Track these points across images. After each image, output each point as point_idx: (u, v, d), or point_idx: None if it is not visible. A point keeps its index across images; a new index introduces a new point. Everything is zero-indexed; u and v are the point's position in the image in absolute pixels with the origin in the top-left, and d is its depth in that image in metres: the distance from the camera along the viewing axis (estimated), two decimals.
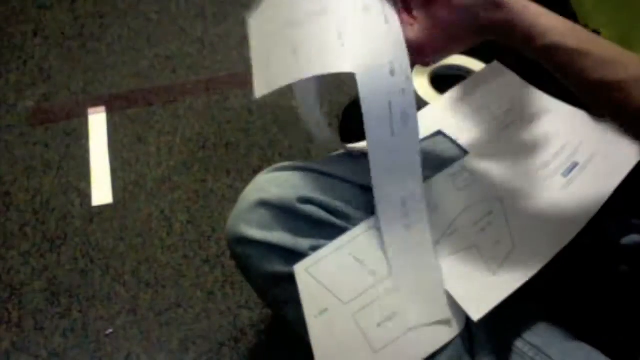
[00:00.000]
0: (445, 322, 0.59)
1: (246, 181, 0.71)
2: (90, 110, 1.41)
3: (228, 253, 1.08)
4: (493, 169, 0.69)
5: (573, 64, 0.54)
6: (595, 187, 0.64)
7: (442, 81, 1.11)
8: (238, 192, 0.69)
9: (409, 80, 0.56)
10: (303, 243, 0.62)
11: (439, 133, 0.74)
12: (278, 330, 1.07)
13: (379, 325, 0.59)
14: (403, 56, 0.56)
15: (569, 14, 0.57)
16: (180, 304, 1.10)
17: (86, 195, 1.25)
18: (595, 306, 0.68)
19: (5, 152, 1.33)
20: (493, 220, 0.64)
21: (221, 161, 1.31)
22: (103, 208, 1.23)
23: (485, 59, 0.82)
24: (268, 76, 0.62)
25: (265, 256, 0.63)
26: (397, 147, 0.57)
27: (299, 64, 0.59)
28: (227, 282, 1.13)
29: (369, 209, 0.64)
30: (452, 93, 0.78)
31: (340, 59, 0.57)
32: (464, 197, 0.66)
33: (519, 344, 0.63)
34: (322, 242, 0.62)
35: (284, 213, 0.63)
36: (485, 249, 0.62)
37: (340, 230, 0.62)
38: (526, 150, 0.69)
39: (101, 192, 1.26)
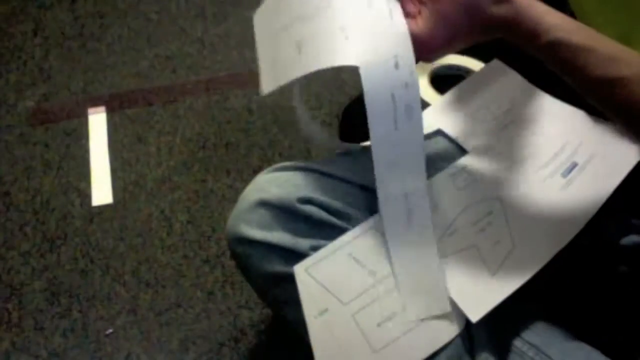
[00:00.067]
0: (446, 318, 0.59)
1: (246, 181, 0.71)
2: (90, 110, 1.41)
3: (228, 253, 1.08)
4: (493, 168, 0.69)
5: (577, 60, 0.54)
6: (595, 188, 0.64)
7: (442, 81, 1.11)
8: (238, 192, 0.69)
9: (413, 74, 0.56)
10: (303, 243, 0.62)
11: (438, 132, 0.74)
12: (278, 330, 1.07)
13: (378, 325, 0.59)
14: (407, 50, 0.56)
15: (569, 14, 0.57)
16: (180, 304, 1.10)
17: (86, 195, 1.25)
18: (595, 306, 0.68)
19: (5, 152, 1.33)
20: (493, 220, 0.64)
21: (221, 161, 1.31)
22: (103, 208, 1.23)
23: (485, 59, 0.82)
24: (275, 73, 0.62)
25: (265, 256, 0.63)
26: (401, 142, 0.57)
27: (303, 59, 0.58)
28: (227, 282, 1.13)
29: (369, 209, 0.64)
30: (452, 93, 0.78)
31: (344, 52, 0.56)
32: (464, 197, 0.66)
33: (518, 343, 0.63)
34: (322, 242, 0.62)
35: (284, 213, 0.63)
36: (485, 249, 0.62)
37: (340, 231, 0.62)
38: (526, 150, 0.69)
39: (101, 192, 1.26)
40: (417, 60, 0.58)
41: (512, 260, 0.61)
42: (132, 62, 1.52)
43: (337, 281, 0.60)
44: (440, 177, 0.68)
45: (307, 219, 0.63)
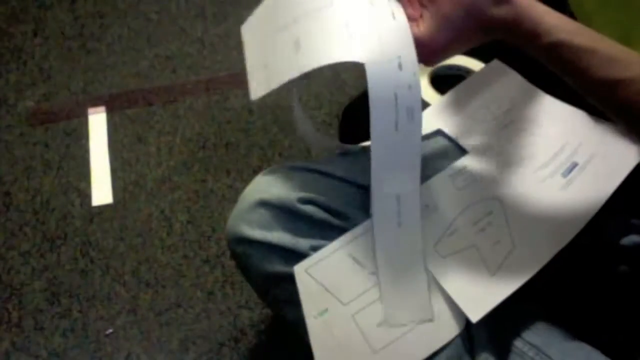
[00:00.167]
0: (446, 318, 0.59)
1: (246, 181, 0.71)
2: (90, 110, 1.41)
3: (228, 253, 1.08)
4: (493, 168, 0.69)
5: (579, 61, 0.54)
6: (595, 188, 0.64)
7: (442, 81, 1.11)
8: (238, 192, 0.69)
9: (416, 76, 0.56)
10: (303, 243, 0.62)
11: (438, 133, 0.74)
12: (278, 330, 1.07)
13: (378, 325, 0.59)
14: (411, 52, 0.56)
15: (568, 15, 0.57)
16: (180, 304, 1.10)
17: (86, 195, 1.25)
18: (595, 306, 0.68)
19: (5, 152, 1.33)
20: (493, 220, 0.64)
21: (221, 161, 1.31)
22: (103, 208, 1.23)
23: (485, 59, 0.82)
24: (267, 75, 0.62)
25: (265, 256, 0.63)
26: (399, 143, 0.57)
27: (302, 56, 0.58)
28: (227, 282, 1.13)
29: (369, 210, 0.64)
30: (452, 93, 0.78)
31: (350, 48, 0.56)
32: (464, 197, 0.66)
33: (518, 343, 0.63)
34: (322, 242, 0.62)
35: (284, 213, 0.63)
36: (485, 249, 0.62)
37: (340, 231, 0.62)
38: (526, 150, 0.69)
39: (101, 192, 1.26)
40: (418, 62, 0.58)
41: (512, 260, 0.61)
42: (132, 62, 1.52)
43: (337, 281, 0.60)
44: (440, 177, 0.68)
45: (307, 219, 0.63)
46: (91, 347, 1.04)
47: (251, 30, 0.67)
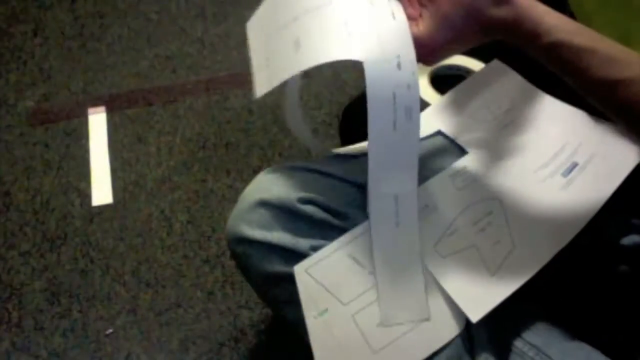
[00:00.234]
0: (446, 318, 0.59)
1: (246, 181, 0.71)
2: (90, 110, 1.41)
3: (228, 253, 1.08)
4: (493, 168, 0.69)
5: (578, 61, 0.54)
6: (595, 188, 0.64)
7: (442, 81, 1.11)
8: (238, 192, 0.69)
9: (414, 75, 0.56)
10: (303, 243, 0.62)
11: (438, 133, 0.74)
12: (278, 330, 1.07)
13: (378, 325, 0.59)
14: (410, 52, 0.56)
15: (568, 14, 0.57)
16: (180, 304, 1.10)
17: (86, 195, 1.25)
18: (595, 306, 0.68)
19: (5, 152, 1.33)
20: (493, 220, 0.64)
21: (221, 161, 1.31)
22: (103, 208, 1.23)
23: (485, 59, 0.82)
24: (269, 73, 0.62)
25: (265, 256, 0.63)
26: (397, 142, 0.57)
27: (302, 54, 0.58)
28: (227, 282, 1.13)
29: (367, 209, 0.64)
30: (452, 93, 0.78)
31: (348, 46, 0.56)
32: (464, 197, 0.66)
33: (518, 343, 0.63)
34: (322, 242, 0.62)
35: (284, 213, 0.63)
36: (485, 249, 0.62)
37: (340, 231, 0.62)
38: (526, 150, 0.69)
39: (101, 192, 1.26)
40: (417, 61, 0.58)
41: (512, 260, 0.61)
42: (132, 62, 1.52)
43: (337, 281, 0.60)
44: (440, 178, 0.68)
45: (307, 219, 0.63)
46: (91, 347, 1.04)
47: (255, 29, 0.67)
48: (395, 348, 0.58)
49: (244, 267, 0.67)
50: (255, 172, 0.71)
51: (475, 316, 0.58)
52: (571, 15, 0.69)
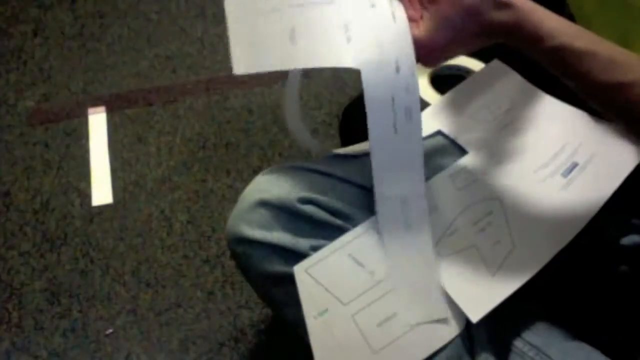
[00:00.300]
0: (443, 322, 0.59)
1: (246, 181, 0.71)
2: (90, 110, 1.41)
3: (228, 253, 1.08)
4: (493, 168, 0.69)
5: (580, 65, 0.54)
6: (595, 188, 0.64)
7: (442, 81, 1.11)
8: (238, 192, 0.69)
9: (413, 77, 0.56)
10: (303, 243, 0.62)
11: (438, 133, 0.74)
12: (278, 330, 1.07)
13: (378, 325, 0.59)
14: (409, 54, 0.56)
15: (567, 16, 0.57)
16: (180, 304, 1.10)
17: (86, 195, 1.25)
18: (595, 306, 0.68)
19: (5, 152, 1.33)
20: (493, 220, 0.64)
21: (221, 161, 1.31)
22: (103, 208, 1.23)
23: (485, 59, 0.82)
24: (256, 55, 0.61)
25: (265, 256, 0.63)
26: (400, 145, 0.57)
27: (299, 51, 0.58)
28: (227, 282, 1.13)
29: (369, 209, 0.63)
30: (452, 93, 0.78)
31: (346, 54, 0.56)
32: (464, 197, 0.66)
33: (518, 343, 0.63)
34: (322, 242, 0.62)
35: (284, 213, 0.63)
36: (485, 249, 0.62)
37: (341, 231, 0.62)
38: (526, 150, 0.69)
39: (101, 192, 1.26)
40: (417, 62, 0.58)
41: (512, 260, 0.61)
42: (132, 62, 1.52)
43: (337, 281, 0.60)
44: (440, 178, 0.68)
45: (307, 219, 0.63)
46: (91, 347, 1.04)
47: (236, 1, 0.65)
48: (395, 348, 0.58)
49: (244, 267, 0.67)
50: (255, 172, 0.71)
51: (475, 316, 0.58)
52: (570, 16, 0.69)
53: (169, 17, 1.62)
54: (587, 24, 0.56)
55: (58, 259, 1.16)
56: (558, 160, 0.68)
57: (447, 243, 0.62)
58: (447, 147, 0.72)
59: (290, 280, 0.61)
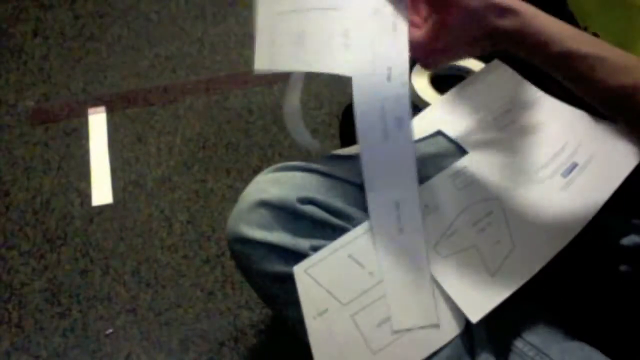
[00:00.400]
0: (446, 318, 0.59)
1: (246, 181, 0.71)
2: (90, 110, 1.41)
3: (228, 253, 1.08)
4: (493, 169, 0.69)
5: (588, 70, 0.54)
6: (595, 188, 0.64)
7: (442, 81, 1.11)
8: (238, 192, 0.69)
9: (404, 86, 0.56)
10: (303, 243, 0.62)
11: (439, 133, 0.74)
12: (278, 330, 1.07)
13: (378, 326, 0.59)
14: (403, 63, 0.56)
15: (567, 15, 0.57)
16: (180, 304, 1.10)
17: (86, 195, 1.25)
18: (595, 306, 0.68)
19: (5, 152, 1.33)
20: (493, 221, 0.64)
21: (221, 161, 1.31)
22: (103, 208, 1.23)
23: (485, 59, 0.82)
24: (274, 54, 0.61)
25: (265, 256, 0.63)
26: (390, 152, 0.58)
27: (303, 55, 0.59)
28: (227, 282, 1.13)
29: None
30: (452, 93, 0.78)
31: (340, 61, 0.57)
32: (464, 197, 0.66)
33: (518, 343, 0.63)
34: (322, 242, 0.62)
35: (284, 213, 0.63)
36: (485, 249, 0.62)
37: (341, 231, 0.62)
38: (526, 150, 0.69)
39: (101, 192, 1.26)
40: (414, 66, 0.58)
41: (512, 260, 0.61)
42: (132, 62, 1.52)
43: (336, 282, 0.60)
44: (440, 178, 0.68)
45: (308, 219, 0.63)
46: (91, 347, 1.04)
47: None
48: (395, 348, 0.58)
49: (244, 267, 0.67)
50: (255, 172, 0.71)
51: (475, 316, 0.58)
52: (570, 15, 0.69)
53: (169, 17, 1.62)
54: (587, 23, 0.56)
55: (58, 259, 1.16)
56: (558, 160, 0.68)
57: (447, 243, 0.62)
58: (447, 147, 0.72)
59: (290, 280, 0.61)
